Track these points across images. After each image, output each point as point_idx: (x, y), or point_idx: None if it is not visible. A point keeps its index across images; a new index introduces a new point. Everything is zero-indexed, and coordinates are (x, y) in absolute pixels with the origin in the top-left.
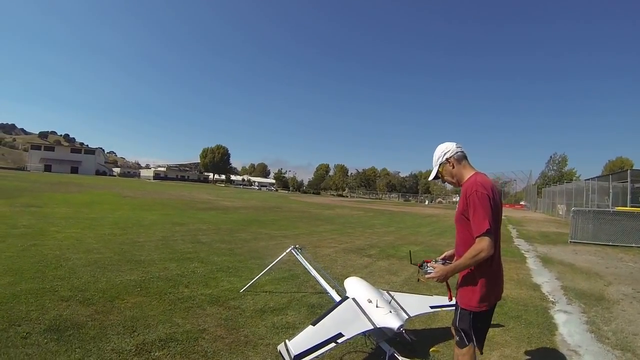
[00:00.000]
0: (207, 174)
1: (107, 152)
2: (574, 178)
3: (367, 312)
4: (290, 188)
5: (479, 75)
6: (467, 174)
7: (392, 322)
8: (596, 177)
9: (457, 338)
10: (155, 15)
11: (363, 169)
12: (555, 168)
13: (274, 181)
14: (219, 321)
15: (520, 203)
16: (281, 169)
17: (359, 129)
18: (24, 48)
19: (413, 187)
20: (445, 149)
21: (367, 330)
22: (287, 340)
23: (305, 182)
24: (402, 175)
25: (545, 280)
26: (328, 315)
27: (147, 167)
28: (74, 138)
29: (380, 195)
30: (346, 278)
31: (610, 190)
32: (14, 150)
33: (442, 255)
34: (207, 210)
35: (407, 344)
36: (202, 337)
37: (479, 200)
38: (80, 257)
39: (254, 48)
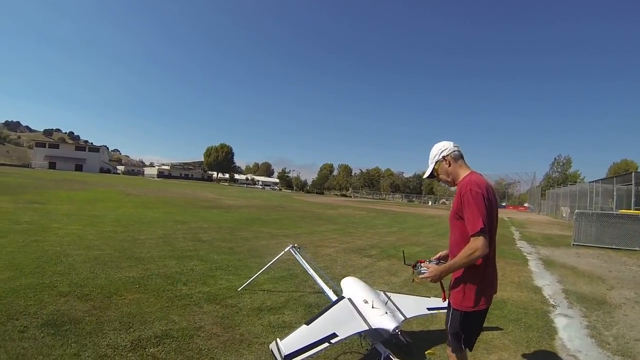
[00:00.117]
0: (211, 172)
1: (112, 150)
2: (578, 180)
3: (363, 313)
4: (294, 187)
5: (484, 75)
6: (463, 173)
7: (388, 323)
8: (600, 179)
9: (450, 340)
10: (161, 14)
11: (367, 169)
12: (559, 170)
13: (277, 180)
14: (215, 319)
15: (524, 205)
16: (285, 168)
17: (363, 128)
18: (29, 45)
19: (417, 188)
20: (443, 147)
21: (362, 331)
22: (278, 339)
23: (309, 182)
24: (406, 175)
25: (547, 283)
26: (322, 315)
27: (151, 165)
28: (78, 136)
29: (384, 196)
30: (344, 278)
31: (615, 193)
32: (18, 148)
33: (437, 256)
34: (209, 208)
35: (403, 345)
36: (197, 334)
37: (474, 199)
38: (80, 253)
39: (259, 47)
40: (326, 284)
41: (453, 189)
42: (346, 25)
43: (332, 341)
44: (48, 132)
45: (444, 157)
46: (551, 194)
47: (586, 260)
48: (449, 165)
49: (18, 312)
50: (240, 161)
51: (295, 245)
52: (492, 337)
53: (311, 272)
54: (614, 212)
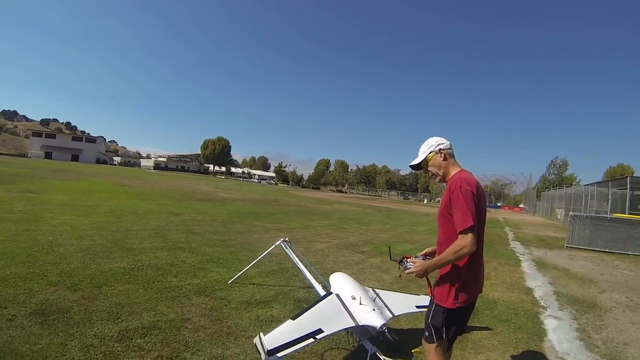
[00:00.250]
0: (208, 165)
1: (109, 141)
2: (574, 183)
3: (350, 309)
4: (290, 182)
5: (483, 75)
6: (453, 171)
7: (375, 320)
8: (596, 182)
9: (427, 333)
10: (159, 6)
11: (363, 166)
12: (555, 172)
13: (274, 175)
14: (203, 311)
15: (520, 206)
16: (281, 162)
17: (361, 125)
18: (28, 36)
19: (413, 186)
20: (440, 141)
21: (349, 327)
22: (261, 334)
23: (306, 177)
24: (402, 173)
25: (538, 285)
26: (309, 310)
27: (148, 157)
28: (75, 126)
29: (380, 193)
30: (333, 273)
31: (610, 197)
32: (15, 137)
33: (423, 252)
34: (204, 201)
35: (390, 343)
36: (185, 326)
37: (463, 197)
38: (72, 243)
39: (260, 42)
40: (316, 279)
41: (442, 184)
42: (348, 22)
43: (318, 337)
44: (45, 122)
45: (440, 149)
46: (547, 195)
47: (579, 262)
48: (443, 160)
49: (7, 300)
50: (237, 155)
51: (286, 239)
52: (480, 337)
53: (301, 266)
54: (608, 216)
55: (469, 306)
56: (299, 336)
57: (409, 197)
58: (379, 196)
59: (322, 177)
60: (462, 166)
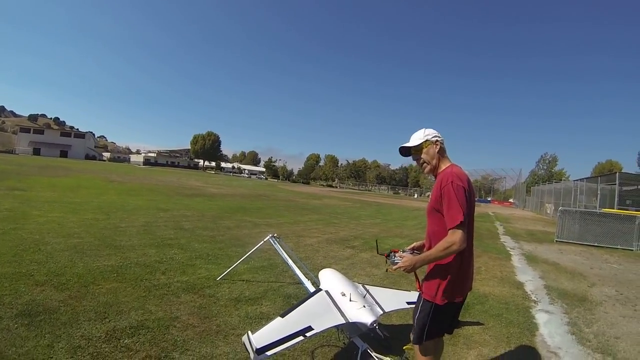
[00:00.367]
0: (198, 160)
1: (98, 137)
2: (563, 178)
3: (340, 306)
4: (280, 177)
5: (474, 72)
6: (444, 165)
7: (365, 317)
8: (585, 178)
9: (416, 333)
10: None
11: (353, 160)
12: (545, 167)
13: (264, 169)
14: (192, 309)
15: (509, 200)
16: (272, 157)
17: (351, 120)
18: (13, 30)
19: (403, 180)
20: (437, 134)
21: (339, 325)
22: (249, 332)
23: (296, 172)
24: (392, 167)
25: (529, 279)
26: (298, 308)
27: (138, 152)
28: (64, 121)
29: (370, 187)
30: (323, 269)
31: (599, 192)
32: (3, 133)
33: (411, 246)
34: (193, 196)
35: (381, 339)
36: (173, 325)
37: (455, 192)
38: (59, 241)
39: (250, 37)
40: (305, 275)
41: (432, 179)
42: (338, 17)
43: (307, 334)
44: (33, 118)
45: (437, 140)
46: (536, 190)
47: (568, 256)
48: (438, 150)
49: None
50: (227, 150)
51: (275, 235)
52: (472, 332)
53: (290, 262)
54: (597, 211)
55: (458, 303)
56: (288, 334)
57: (399, 191)
58: (369, 191)
59: (312, 172)
60: (452, 161)
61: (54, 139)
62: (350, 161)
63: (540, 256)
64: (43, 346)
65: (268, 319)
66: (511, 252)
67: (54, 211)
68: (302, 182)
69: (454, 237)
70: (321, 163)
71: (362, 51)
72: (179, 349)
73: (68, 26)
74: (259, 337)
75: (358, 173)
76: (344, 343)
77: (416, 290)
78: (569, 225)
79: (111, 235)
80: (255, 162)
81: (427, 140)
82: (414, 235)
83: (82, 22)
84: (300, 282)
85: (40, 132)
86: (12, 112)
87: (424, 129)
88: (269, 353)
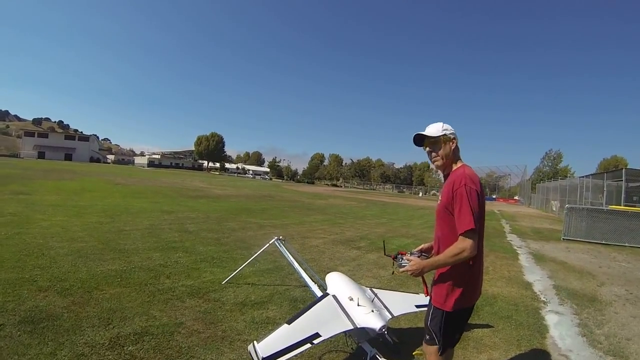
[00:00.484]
0: (202, 161)
1: (102, 139)
2: (569, 175)
3: (348, 311)
4: (285, 177)
5: (478, 68)
6: (457, 164)
7: (374, 322)
8: (591, 174)
9: (427, 337)
10: (150, 1)
11: (358, 159)
12: (550, 164)
13: (268, 170)
14: (197, 314)
15: (514, 198)
16: (276, 157)
17: (355, 119)
18: (17, 35)
19: (407, 179)
20: (454, 131)
21: (347, 331)
22: (255, 342)
23: (300, 171)
24: (396, 166)
25: (537, 279)
26: (305, 314)
27: (142, 154)
28: (68, 125)
29: (374, 186)
30: (329, 272)
31: (605, 189)
32: (7, 137)
33: (419, 248)
34: (198, 198)
35: (389, 344)
36: (178, 331)
37: (468, 196)
38: (63, 245)
39: (253, 36)
40: (311, 278)
41: (437, 177)
42: (342, 15)
43: (315, 342)
44: (37, 121)
45: (454, 138)
46: (541, 187)
47: (576, 255)
48: (452, 149)
49: None
50: (231, 150)
51: (281, 237)
52: (482, 334)
53: (296, 265)
54: (604, 208)
55: (469, 309)
56: (295, 342)
57: (404, 190)
58: (373, 190)
59: (317, 172)
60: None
61: (58, 142)
62: (355, 160)
63: (548, 255)
64: (46, 354)
65: (274, 324)
66: (518, 251)
67: (58, 215)
68: (307, 182)
69: (465, 244)
70: (325, 162)
71: (365, 49)
72: (184, 356)
73: (71, 30)
74: (265, 346)
75: (362, 172)
76: (352, 348)
77: (424, 295)
78: (576, 223)
79: (115, 239)
80: (260, 162)
81: (445, 135)
82: (420, 235)
83: (85, 26)
84: (307, 286)
85: (45, 135)
86: (16, 116)
87: (442, 123)
88: None
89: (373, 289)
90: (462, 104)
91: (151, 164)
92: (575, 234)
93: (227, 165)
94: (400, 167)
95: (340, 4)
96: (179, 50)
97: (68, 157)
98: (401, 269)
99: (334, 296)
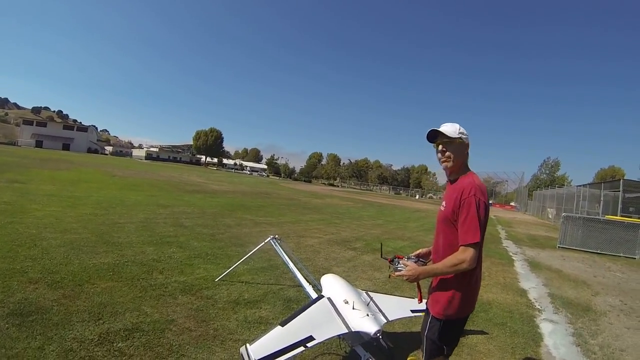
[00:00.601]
0: (200, 156)
1: (100, 130)
2: (566, 183)
3: (343, 314)
4: (282, 174)
5: (478, 74)
6: (466, 170)
7: (369, 326)
8: (588, 184)
9: (425, 345)
10: None
11: (355, 160)
12: (547, 172)
13: (265, 167)
14: (189, 312)
15: (511, 204)
16: (274, 155)
17: (354, 119)
18: (19, 24)
19: (404, 181)
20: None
21: (341, 334)
22: (247, 345)
23: (298, 170)
24: (394, 168)
25: (532, 286)
26: (299, 316)
27: (140, 147)
28: (67, 114)
29: (371, 187)
30: (325, 273)
31: (602, 199)
32: (6, 125)
33: (416, 252)
34: (194, 192)
35: (384, 349)
36: (169, 328)
37: (476, 208)
38: (56, 237)
39: (256, 35)
40: (306, 278)
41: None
42: (344, 16)
43: (308, 345)
44: (36, 110)
45: (467, 143)
46: (538, 194)
47: (571, 263)
48: (463, 152)
49: None
50: (229, 146)
51: (276, 236)
52: (476, 341)
53: (291, 266)
54: (601, 218)
55: (466, 317)
56: (288, 344)
57: (401, 192)
58: (370, 190)
59: (314, 170)
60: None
61: (57, 131)
62: (353, 160)
63: (543, 262)
64: (34, 348)
65: (267, 324)
66: (514, 258)
67: (53, 205)
68: (304, 181)
69: (465, 256)
70: (323, 162)
71: (367, 51)
72: (175, 355)
73: (73, 21)
74: (257, 348)
75: (360, 173)
76: (345, 352)
77: (418, 301)
78: (571, 232)
79: (109, 232)
80: (257, 159)
81: (461, 138)
82: (416, 237)
83: (86, 17)
84: (301, 286)
85: (43, 124)
86: (15, 104)
87: (458, 125)
88: None
89: (369, 292)
90: (463, 109)
91: (149, 156)
92: (571, 242)
93: (225, 160)
94: (398, 169)
95: (342, 4)
96: (182, 46)
97: (66, 147)
98: (397, 273)
99: (329, 299)
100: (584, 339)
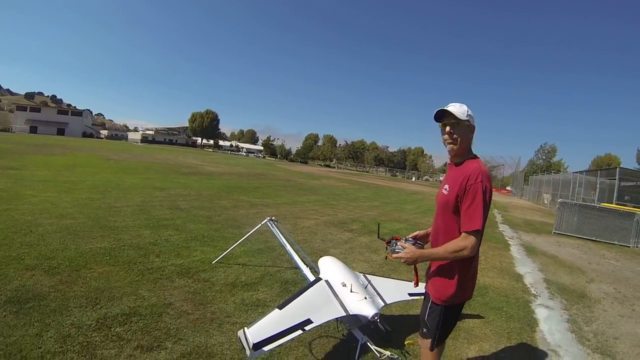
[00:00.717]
0: (196, 138)
1: (95, 114)
2: (562, 169)
3: (340, 297)
4: (278, 156)
5: (476, 58)
6: (469, 154)
7: (367, 309)
8: (584, 171)
9: (424, 330)
10: None
11: (352, 141)
12: (544, 157)
13: (262, 148)
14: (186, 295)
15: (507, 188)
16: (270, 136)
17: (350, 101)
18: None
19: (401, 163)
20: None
21: (339, 317)
22: (245, 328)
23: (294, 151)
24: (390, 150)
25: (528, 271)
26: (297, 299)
27: (136, 130)
28: (61, 99)
29: (368, 169)
30: (322, 255)
31: (598, 186)
32: None
33: (414, 234)
34: (190, 175)
35: (381, 332)
36: (166, 312)
37: (482, 195)
38: (52, 222)
39: (251, 16)
40: (303, 260)
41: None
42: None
43: (306, 328)
44: (30, 95)
45: (474, 126)
46: (534, 180)
47: (566, 250)
48: (469, 136)
49: None
50: (225, 128)
51: (273, 218)
52: (473, 325)
53: (288, 248)
54: (596, 205)
55: (464, 303)
56: (286, 327)
57: (397, 174)
58: (366, 172)
59: (310, 152)
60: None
61: (51, 117)
62: (349, 142)
63: (539, 248)
64: (31, 335)
65: (265, 306)
66: (510, 242)
67: (48, 191)
68: (300, 162)
69: (467, 242)
70: (319, 143)
71: (364, 34)
72: (172, 338)
73: (63, 5)
74: (255, 332)
75: (356, 154)
76: (343, 334)
77: (414, 285)
78: (567, 218)
79: (105, 216)
80: (254, 140)
81: (469, 120)
82: (412, 219)
83: (79, 1)
84: (298, 268)
85: (37, 110)
86: (8, 90)
87: (466, 107)
88: (266, 349)
89: (366, 275)
90: (460, 93)
91: (145, 139)
92: (567, 228)
93: (221, 142)
94: (394, 151)
95: None
96: (177, 28)
97: (61, 132)
98: (394, 255)
99: (326, 281)
100: (579, 326)
